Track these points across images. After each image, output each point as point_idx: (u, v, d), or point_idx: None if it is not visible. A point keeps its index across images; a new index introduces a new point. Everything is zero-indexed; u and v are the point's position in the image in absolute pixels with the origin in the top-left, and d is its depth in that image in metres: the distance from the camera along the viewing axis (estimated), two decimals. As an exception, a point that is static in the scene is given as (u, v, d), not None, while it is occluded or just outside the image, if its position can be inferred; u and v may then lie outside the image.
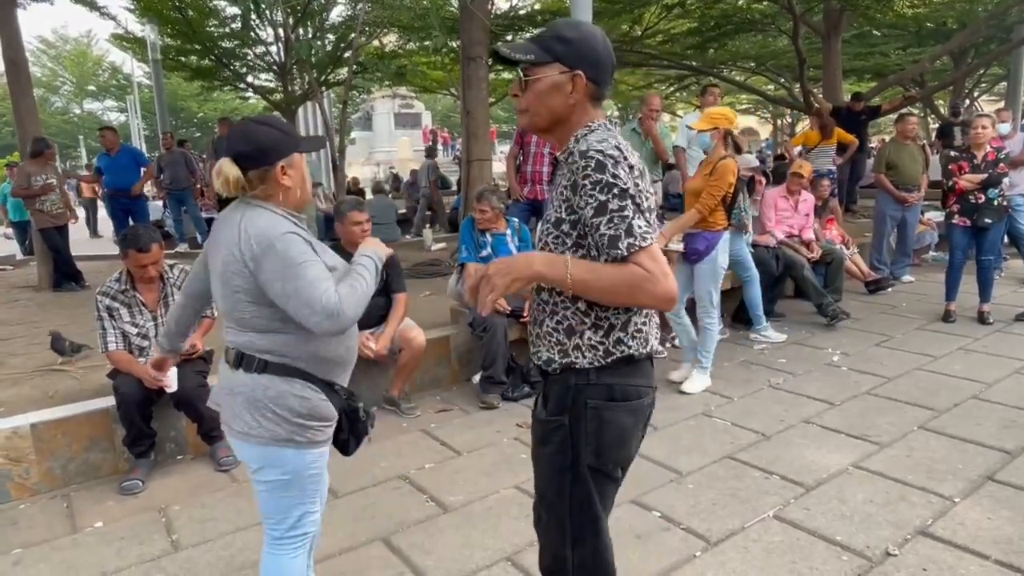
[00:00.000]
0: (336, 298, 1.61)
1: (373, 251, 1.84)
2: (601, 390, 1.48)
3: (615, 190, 1.36)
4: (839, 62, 10.78)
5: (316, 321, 1.61)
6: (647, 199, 1.42)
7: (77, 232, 9.00)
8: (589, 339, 1.47)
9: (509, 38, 13.16)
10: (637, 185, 1.40)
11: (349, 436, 1.84)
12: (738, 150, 4.20)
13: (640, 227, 1.36)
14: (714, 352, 4.24)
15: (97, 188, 8.75)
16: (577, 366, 1.48)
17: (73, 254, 7.26)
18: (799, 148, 8.60)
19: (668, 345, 5.01)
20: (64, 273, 7.09)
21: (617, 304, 1.44)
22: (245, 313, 1.69)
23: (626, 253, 1.35)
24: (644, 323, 1.52)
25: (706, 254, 4.13)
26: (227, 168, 1.67)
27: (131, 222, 6.72)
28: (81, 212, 15.47)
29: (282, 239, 1.63)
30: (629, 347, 1.48)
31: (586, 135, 1.47)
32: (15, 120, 7.32)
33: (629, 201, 1.36)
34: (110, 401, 3.19)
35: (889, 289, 6.46)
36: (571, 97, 1.46)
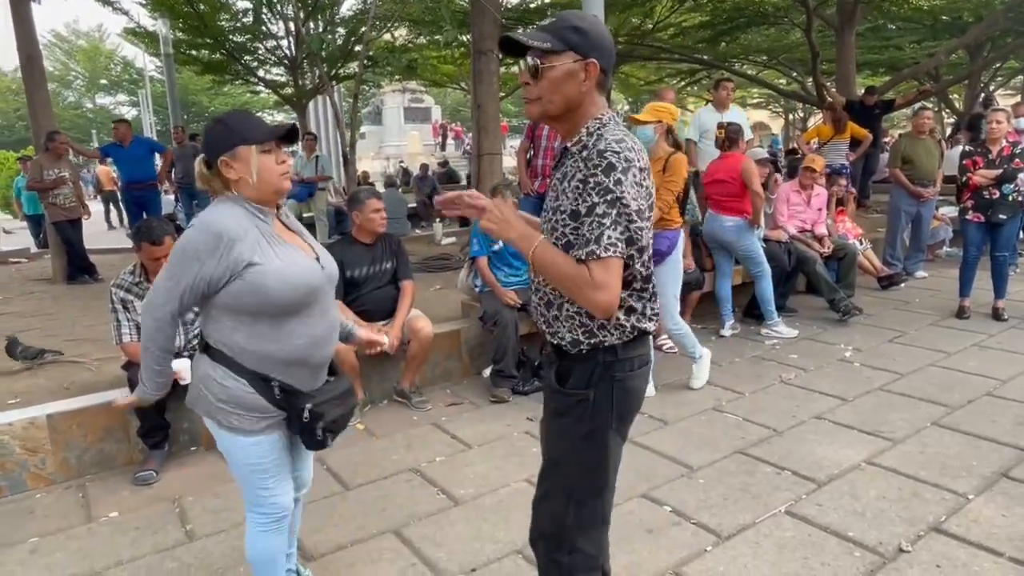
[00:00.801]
0: (147, 316, 1.76)
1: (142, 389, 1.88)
2: (625, 364, 1.61)
3: (609, 197, 1.45)
4: (853, 56, 10.66)
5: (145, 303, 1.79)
6: (648, 198, 1.53)
7: (94, 225, 9.08)
8: (616, 320, 1.57)
9: (520, 31, 13.13)
10: (641, 186, 1.50)
11: (301, 431, 1.85)
12: (677, 147, 4.04)
13: (609, 238, 1.45)
14: (697, 342, 4.15)
15: (116, 179, 8.81)
16: (606, 343, 1.58)
17: (90, 247, 7.32)
18: (812, 142, 8.53)
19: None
20: (78, 266, 7.16)
21: (564, 291, 1.57)
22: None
23: (583, 257, 1.46)
24: (657, 306, 1.66)
25: (667, 254, 3.95)
26: (197, 165, 1.83)
27: (144, 215, 6.78)
28: (100, 205, 15.66)
29: (196, 227, 1.74)
30: (646, 327, 1.63)
31: (599, 129, 1.53)
32: (29, 114, 7.38)
33: (615, 211, 1.45)
34: (125, 392, 3.21)
35: (902, 285, 6.41)
36: (584, 85, 1.52)
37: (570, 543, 1.67)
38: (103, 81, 35.04)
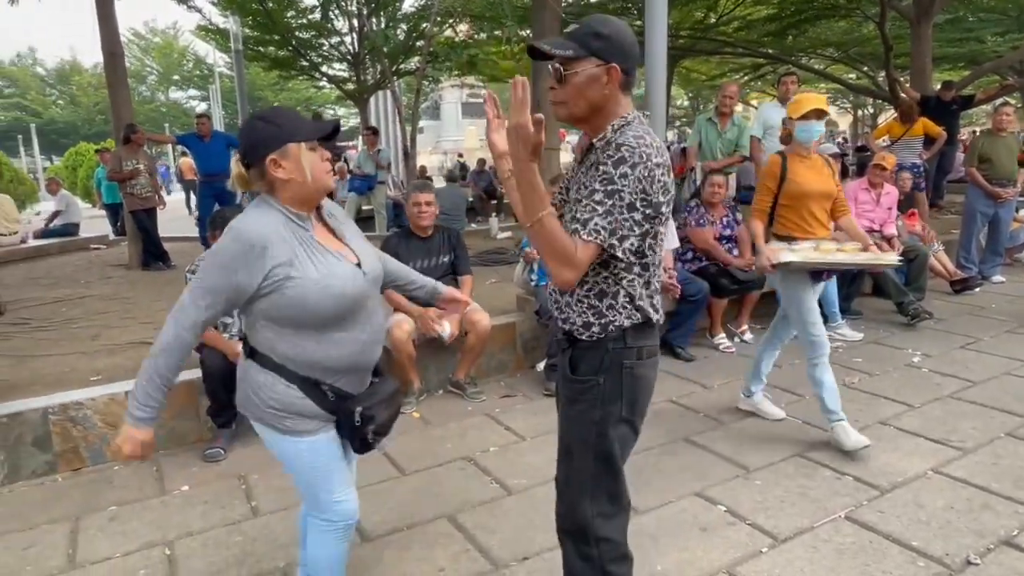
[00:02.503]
0: (172, 323, 1.64)
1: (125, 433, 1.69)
2: (632, 352, 1.67)
3: (609, 187, 1.52)
4: (929, 49, 10.18)
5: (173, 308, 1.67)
6: (666, 193, 1.58)
7: (173, 211, 9.45)
8: (621, 298, 1.65)
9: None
10: (655, 181, 1.54)
11: (352, 436, 1.79)
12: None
13: (596, 224, 1.52)
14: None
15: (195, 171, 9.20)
16: (616, 324, 1.65)
17: (169, 233, 7.66)
18: (882, 140, 8.20)
19: (736, 340, 4.92)
20: (152, 253, 7.52)
21: (537, 247, 1.58)
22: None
23: (573, 235, 1.53)
24: (656, 295, 1.71)
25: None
26: (233, 166, 1.74)
27: (219, 206, 7.06)
28: (181, 194, 16.49)
29: (228, 234, 1.63)
30: (647, 313, 1.68)
31: (623, 127, 1.61)
32: (112, 107, 7.77)
33: (612, 201, 1.52)
34: (196, 374, 3.38)
35: (977, 289, 6.11)
36: (606, 88, 1.60)
37: (595, 534, 1.73)
38: (176, 77, 36.56)
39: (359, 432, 1.78)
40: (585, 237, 1.52)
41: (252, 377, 1.75)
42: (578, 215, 1.54)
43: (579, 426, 1.71)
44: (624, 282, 1.64)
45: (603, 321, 1.65)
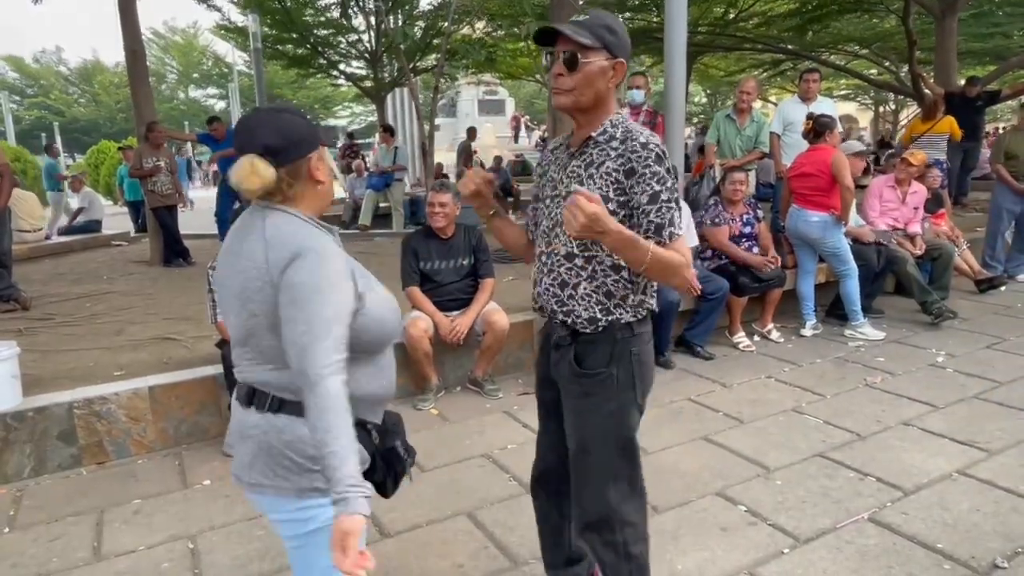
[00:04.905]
0: (329, 370, 1.27)
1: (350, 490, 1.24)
2: (638, 339, 1.74)
3: (668, 183, 1.60)
4: (954, 44, 10.00)
5: (294, 366, 1.31)
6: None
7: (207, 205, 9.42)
8: (629, 300, 1.71)
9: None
10: (671, 175, 1.65)
11: (386, 478, 1.51)
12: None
13: (676, 219, 1.62)
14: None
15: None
16: (622, 321, 1.70)
17: (192, 231, 7.73)
18: (909, 145, 8.06)
19: (756, 339, 4.87)
20: (173, 249, 7.60)
21: (653, 279, 1.70)
22: (263, 341, 1.39)
23: (668, 240, 1.60)
24: (654, 287, 1.79)
25: None
26: (260, 166, 1.36)
27: (238, 204, 7.12)
28: (214, 189, 16.69)
29: (319, 249, 1.36)
30: (650, 305, 1.76)
31: (623, 123, 1.66)
32: (133, 105, 7.85)
33: (674, 197, 1.61)
34: (218, 369, 3.42)
35: (1003, 288, 6.00)
36: (611, 82, 1.63)
37: (620, 519, 1.76)
38: (195, 75, 36.95)
39: (400, 469, 1.53)
40: (678, 232, 1.63)
41: (287, 433, 1.39)
42: (656, 219, 1.60)
43: (596, 418, 1.73)
44: (633, 286, 1.70)
45: (610, 317, 1.70)
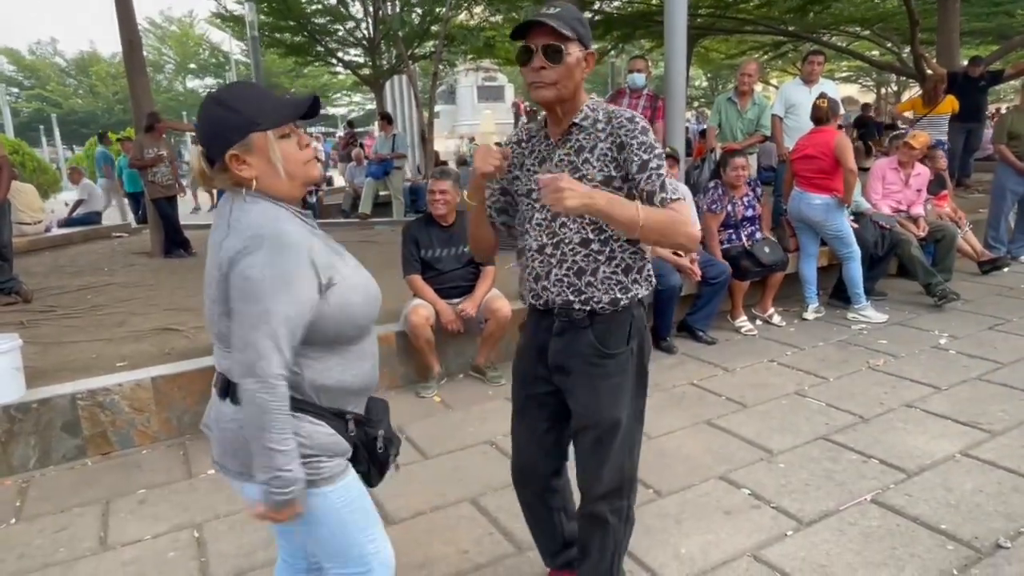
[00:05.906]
0: (261, 371, 1.27)
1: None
2: (646, 312, 1.84)
3: (655, 151, 1.66)
4: (957, 23, 9.91)
5: (235, 356, 1.32)
6: None
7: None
8: (645, 271, 1.78)
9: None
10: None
11: (370, 468, 1.52)
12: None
13: (669, 184, 1.67)
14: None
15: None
16: (638, 297, 1.77)
17: (190, 222, 7.72)
18: (908, 113, 8.02)
19: (758, 323, 4.87)
20: (173, 240, 7.59)
21: (654, 242, 1.73)
22: (224, 330, 1.36)
23: (661, 206, 1.64)
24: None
25: None
26: (193, 159, 1.38)
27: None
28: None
29: (275, 238, 1.31)
30: (652, 278, 1.83)
31: (602, 105, 1.72)
32: (131, 96, 7.81)
33: (663, 164, 1.67)
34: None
35: (1006, 269, 5.99)
36: (584, 73, 1.68)
37: (630, 482, 1.87)
38: (192, 65, 36.75)
39: (382, 459, 1.53)
40: (673, 195, 1.66)
41: None
42: (646, 187, 1.65)
43: (619, 395, 1.77)
44: (645, 254, 1.78)
45: (629, 294, 1.75)
